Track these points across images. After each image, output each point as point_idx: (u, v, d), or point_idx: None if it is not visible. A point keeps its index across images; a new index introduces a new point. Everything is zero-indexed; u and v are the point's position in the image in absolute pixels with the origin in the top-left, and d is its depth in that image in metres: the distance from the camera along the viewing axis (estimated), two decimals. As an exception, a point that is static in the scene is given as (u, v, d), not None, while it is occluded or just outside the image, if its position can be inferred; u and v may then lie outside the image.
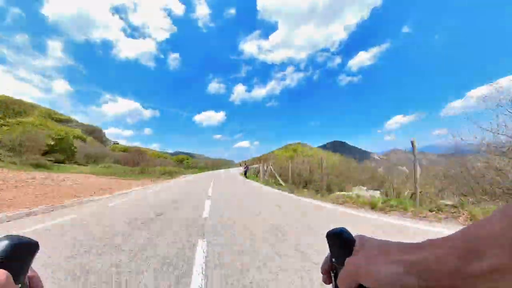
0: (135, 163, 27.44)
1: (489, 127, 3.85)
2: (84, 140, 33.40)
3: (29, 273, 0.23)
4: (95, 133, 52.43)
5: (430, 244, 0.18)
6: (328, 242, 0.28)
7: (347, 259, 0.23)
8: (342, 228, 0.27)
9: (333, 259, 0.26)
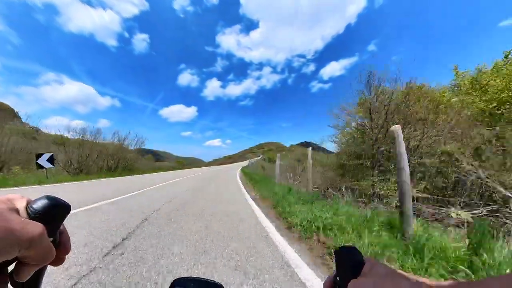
0: None
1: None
2: None
3: (60, 230, 0.26)
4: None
5: (453, 287, 0.17)
6: (335, 258, 0.26)
7: (353, 281, 0.21)
8: (353, 246, 0.26)
9: (338, 277, 0.25)
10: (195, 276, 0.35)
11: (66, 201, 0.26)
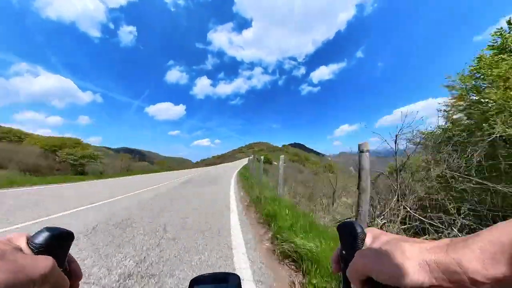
0: None
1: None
2: None
3: (68, 258, 0.26)
4: None
5: (451, 245, 0.18)
6: (339, 234, 0.28)
7: (358, 251, 0.23)
8: (354, 221, 0.28)
9: (343, 251, 0.26)
10: (211, 272, 0.36)
11: (67, 229, 0.26)
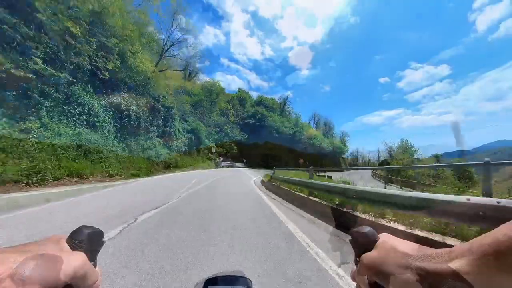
0: None
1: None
2: None
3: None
4: None
5: (452, 253, 0.18)
6: (352, 240, 0.29)
7: (363, 255, 0.24)
8: (366, 227, 0.28)
9: (357, 258, 0.27)
10: (223, 274, 0.37)
11: (99, 228, 0.30)
